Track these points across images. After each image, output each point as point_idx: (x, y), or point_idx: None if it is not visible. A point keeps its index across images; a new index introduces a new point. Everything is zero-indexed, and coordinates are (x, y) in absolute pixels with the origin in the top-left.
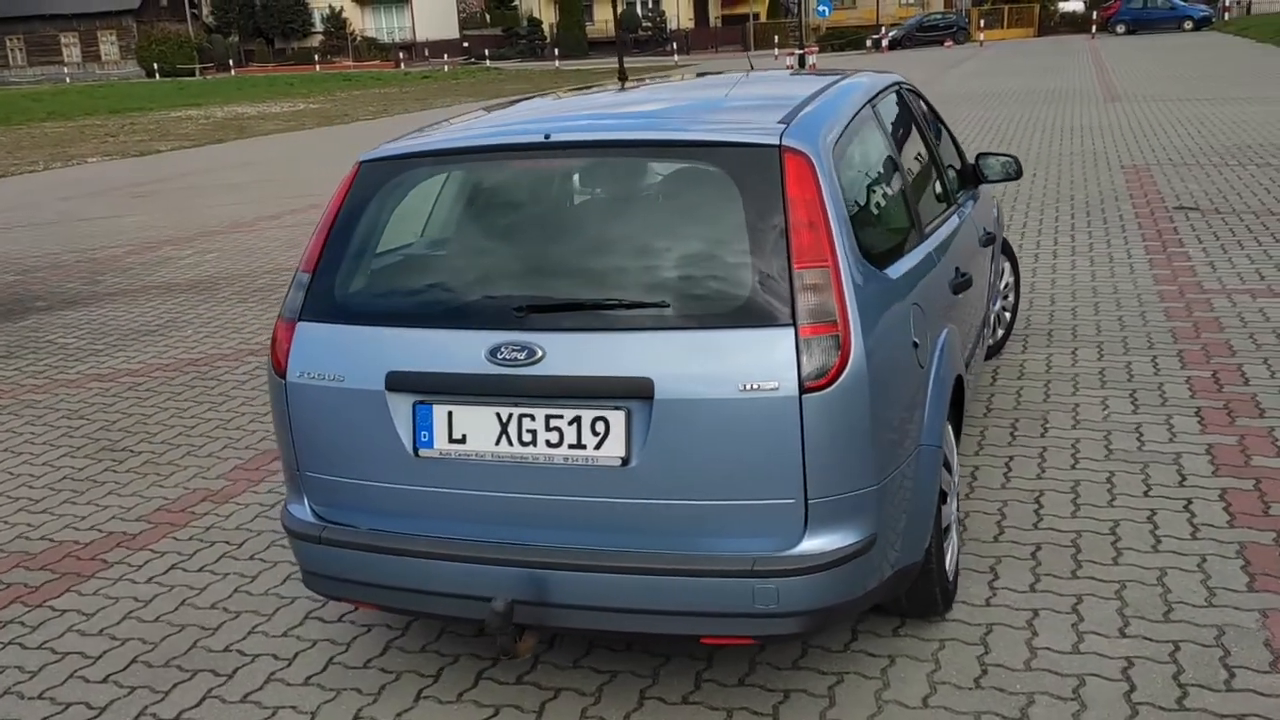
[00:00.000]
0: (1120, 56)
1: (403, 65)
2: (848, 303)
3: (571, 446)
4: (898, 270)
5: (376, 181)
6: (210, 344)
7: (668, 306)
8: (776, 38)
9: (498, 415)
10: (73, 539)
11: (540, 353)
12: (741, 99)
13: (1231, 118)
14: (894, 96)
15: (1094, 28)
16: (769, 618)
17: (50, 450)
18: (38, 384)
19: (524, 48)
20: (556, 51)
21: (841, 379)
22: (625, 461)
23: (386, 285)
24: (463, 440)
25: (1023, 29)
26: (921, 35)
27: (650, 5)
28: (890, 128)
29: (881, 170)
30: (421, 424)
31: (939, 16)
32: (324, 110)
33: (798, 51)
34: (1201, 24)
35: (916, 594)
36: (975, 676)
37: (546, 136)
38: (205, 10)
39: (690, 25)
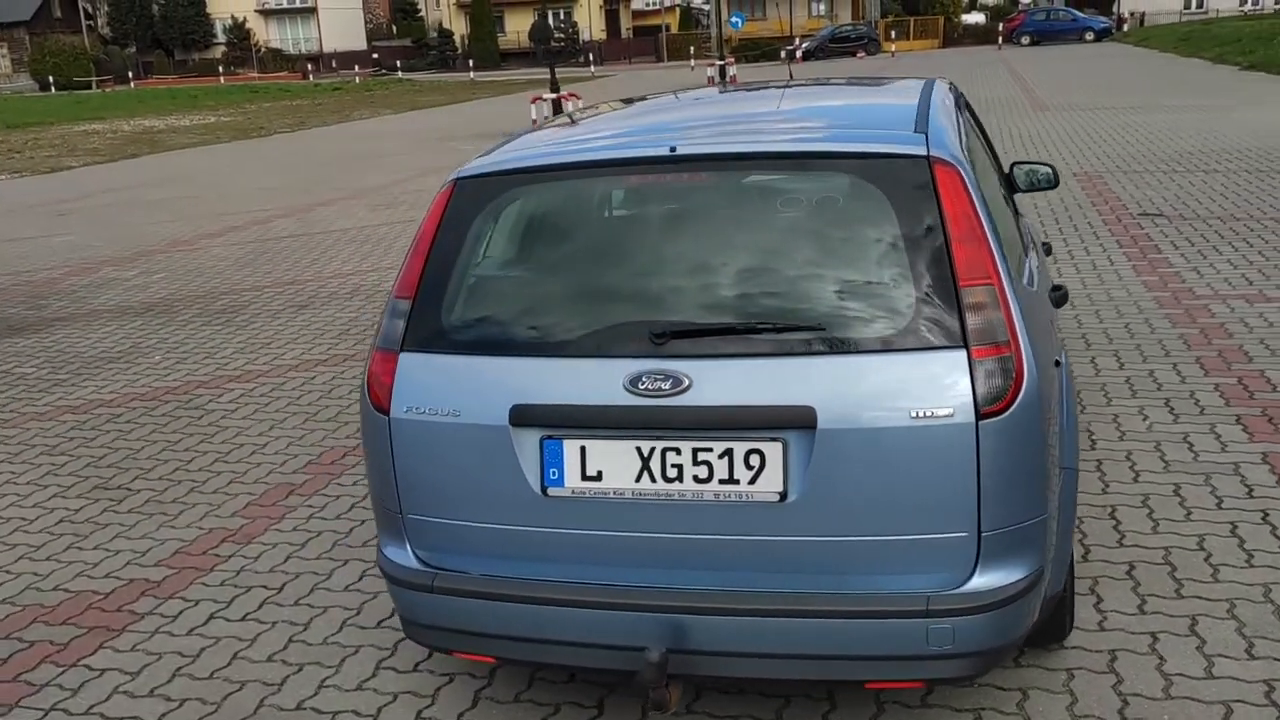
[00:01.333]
0: (1034, 66)
1: (310, 77)
2: (1015, 321)
3: (722, 482)
4: (1030, 284)
5: (477, 200)
6: (184, 370)
7: (824, 329)
8: (693, 49)
9: (638, 450)
10: (90, 588)
11: (686, 382)
12: (848, 107)
13: (1165, 125)
14: (964, 102)
15: (1000, 39)
16: (941, 659)
17: (38, 490)
18: (4, 418)
19: (435, 59)
20: (471, 63)
21: (1017, 403)
22: (783, 497)
23: (503, 311)
24: (598, 477)
25: (928, 40)
26: (834, 46)
27: (563, 16)
28: (978, 134)
29: (991, 179)
30: (550, 461)
31: (850, 28)
32: (237, 123)
33: (718, 63)
34: (1102, 35)
35: (1050, 621)
36: (1117, 709)
37: (672, 150)
38: (101, 21)
39: (603, 36)
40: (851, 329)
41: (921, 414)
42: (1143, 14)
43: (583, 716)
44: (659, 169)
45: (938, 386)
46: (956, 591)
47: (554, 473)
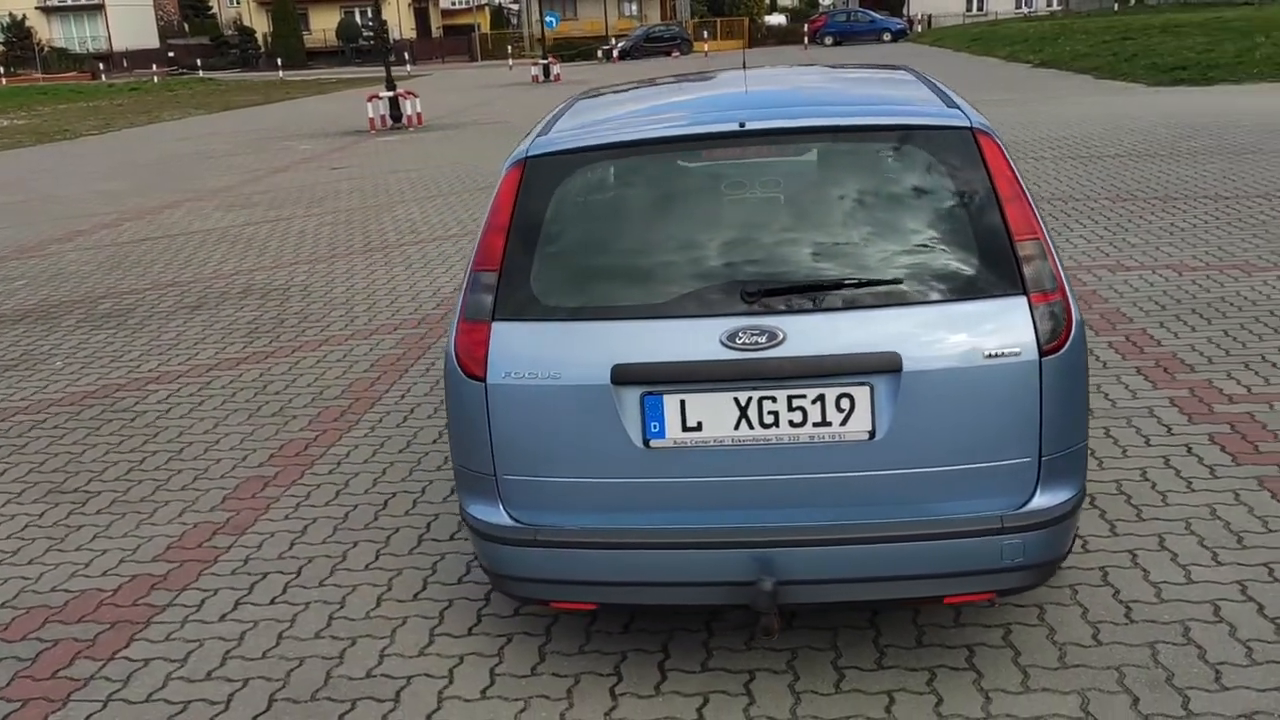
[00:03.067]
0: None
1: (102, 77)
2: (1060, 270)
3: (816, 425)
4: None
5: (550, 177)
6: (94, 375)
7: (901, 282)
8: (510, 48)
9: (736, 400)
10: (93, 586)
11: (781, 335)
12: (876, 88)
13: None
14: None
15: (806, 39)
16: (1010, 572)
17: None
18: None
19: (237, 57)
20: (279, 61)
21: (1069, 342)
22: (872, 435)
23: (596, 279)
24: (698, 428)
25: (735, 41)
26: (649, 46)
27: (370, 15)
28: None
29: None
30: (651, 415)
31: (663, 28)
32: (36, 126)
33: (542, 62)
34: (898, 35)
35: None
36: (1123, 613)
37: (742, 125)
38: None
39: (413, 35)
40: (924, 281)
41: (994, 353)
42: (929, 16)
43: (649, 662)
44: (729, 142)
45: (1007, 329)
46: (1022, 510)
47: (655, 426)
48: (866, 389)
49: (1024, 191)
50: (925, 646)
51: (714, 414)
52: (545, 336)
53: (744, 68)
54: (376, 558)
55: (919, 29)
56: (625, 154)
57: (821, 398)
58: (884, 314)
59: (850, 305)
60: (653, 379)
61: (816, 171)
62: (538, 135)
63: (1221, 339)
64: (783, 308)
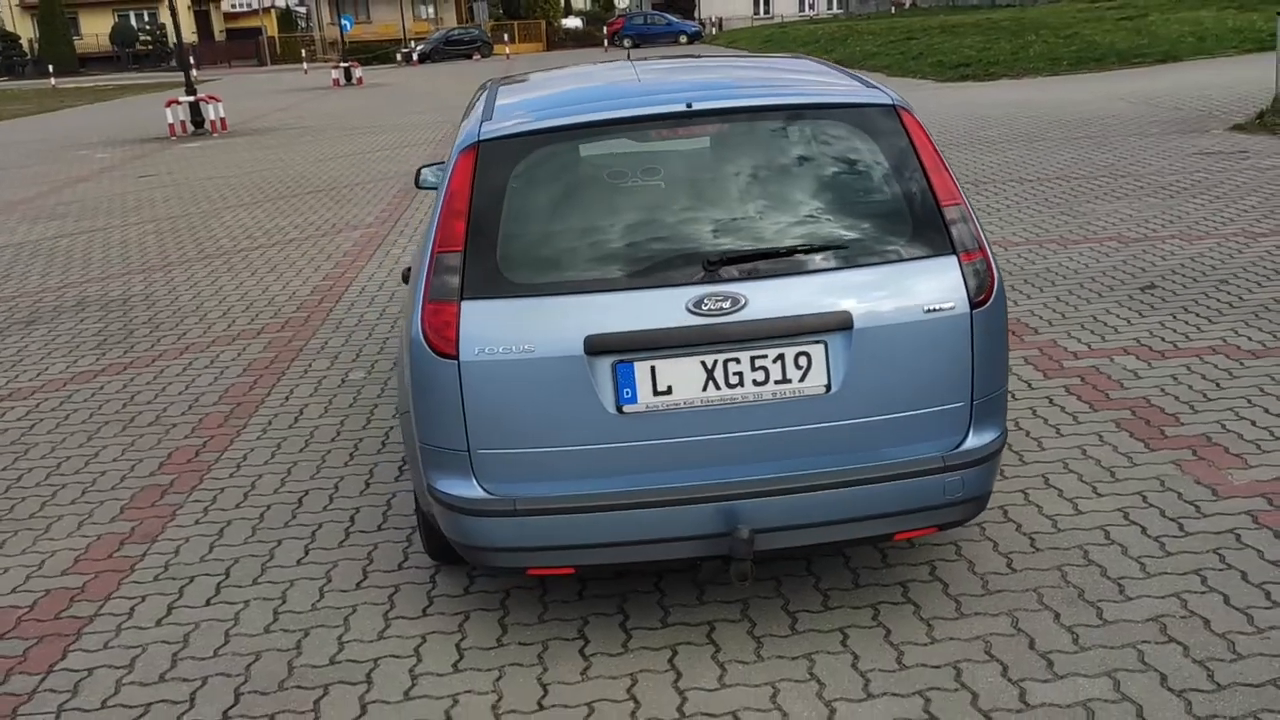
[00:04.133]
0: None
1: None
2: (980, 232)
3: (778, 382)
4: None
5: (504, 159)
6: None
7: (846, 247)
8: (304, 52)
9: (703, 363)
10: (6, 604)
11: (743, 300)
12: (797, 73)
13: None
14: None
15: (606, 42)
16: (952, 506)
17: None
18: None
19: (1, 65)
20: (50, 69)
21: (994, 296)
22: (828, 389)
23: (562, 255)
24: (669, 391)
25: (534, 43)
26: (449, 49)
27: (148, 18)
28: None
29: None
30: (624, 382)
31: (462, 31)
32: None
33: (343, 65)
34: (694, 37)
35: None
36: (1030, 543)
37: (689, 105)
38: None
39: (194, 39)
40: (867, 245)
41: (932, 308)
42: (720, 18)
43: (611, 623)
44: (675, 122)
45: (942, 286)
46: (958, 450)
47: (627, 392)
48: (821, 346)
49: (944, 162)
50: (863, 586)
51: (683, 378)
52: (517, 312)
53: (629, 59)
54: (306, 553)
55: (713, 31)
56: (578, 135)
57: (781, 357)
58: (834, 277)
59: (803, 270)
60: (624, 347)
61: (762, 148)
62: (483, 120)
63: (1055, 304)
64: (743, 274)
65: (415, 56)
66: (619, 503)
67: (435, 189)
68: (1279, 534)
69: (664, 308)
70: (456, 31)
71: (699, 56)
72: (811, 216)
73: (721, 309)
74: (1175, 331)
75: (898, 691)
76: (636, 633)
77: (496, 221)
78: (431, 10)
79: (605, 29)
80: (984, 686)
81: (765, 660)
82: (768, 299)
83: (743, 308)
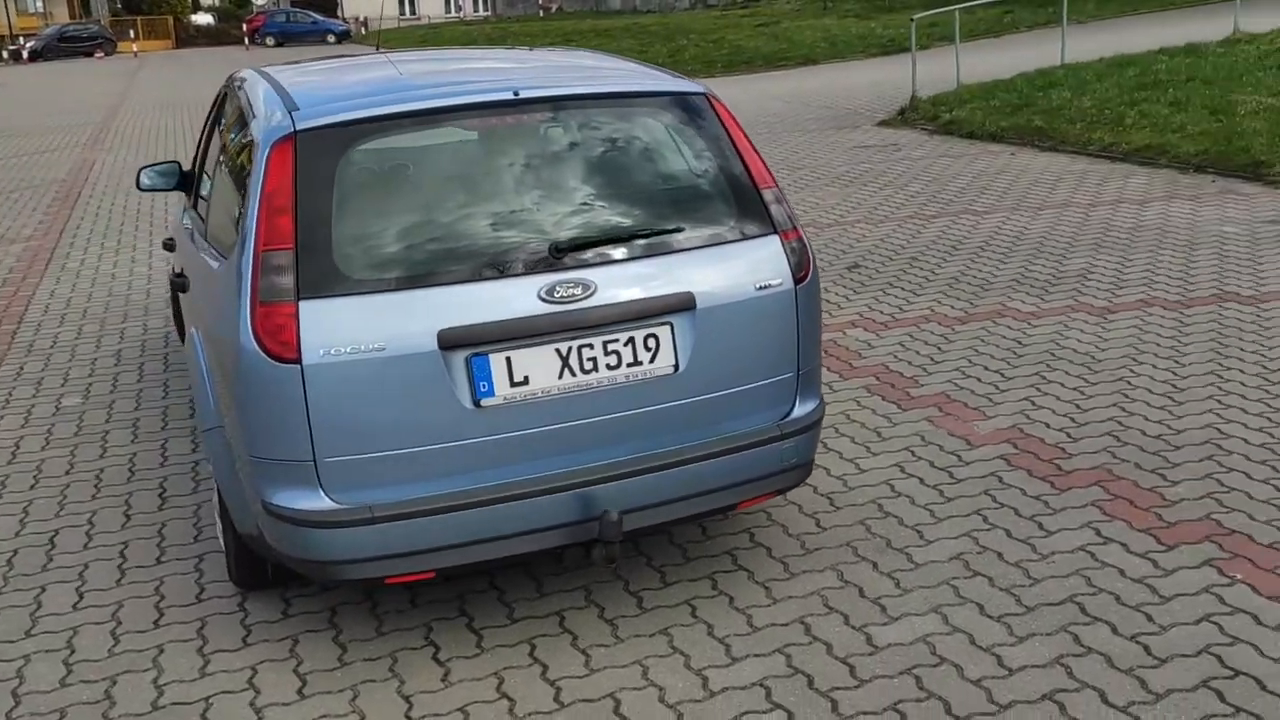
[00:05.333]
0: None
1: None
2: (793, 213)
3: (630, 365)
4: None
5: (329, 149)
6: None
7: (683, 230)
8: None
9: (557, 351)
10: None
11: (593, 286)
12: (604, 62)
13: None
14: None
15: (246, 40)
16: (788, 472)
17: None
18: None
19: None
20: None
21: (811, 272)
22: (676, 368)
23: (406, 248)
24: (525, 381)
25: (162, 40)
26: (65, 46)
27: None
28: None
29: None
30: (479, 375)
31: (80, 27)
32: None
33: None
34: (342, 37)
35: None
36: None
37: (516, 93)
38: None
39: None
40: (701, 228)
41: (763, 285)
42: (365, 18)
43: (458, 626)
44: (503, 111)
45: (769, 264)
46: (789, 419)
47: (484, 385)
48: (668, 328)
49: (754, 147)
50: (694, 560)
51: (539, 367)
52: (362, 310)
53: (380, 53)
54: (80, 597)
55: (363, 31)
56: (405, 124)
57: (632, 340)
58: (673, 259)
59: (645, 254)
60: (479, 340)
61: (591, 136)
62: (290, 110)
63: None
64: (589, 261)
65: (25, 54)
66: (483, 499)
67: (158, 190)
68: (1032, 472)
69: (516, 297)
70: (73, 27)
71: (441, 49)
72: (645, 201)
73: (573, 295)
74: (890, 305)
75: (759, 652)
76: (486, 632)
77: (328, 215)
78: (41, 4)
79: (244, 26)
80: (834, 636)
81: (625, 641)
82: (615, 283)
83: (593, 293)
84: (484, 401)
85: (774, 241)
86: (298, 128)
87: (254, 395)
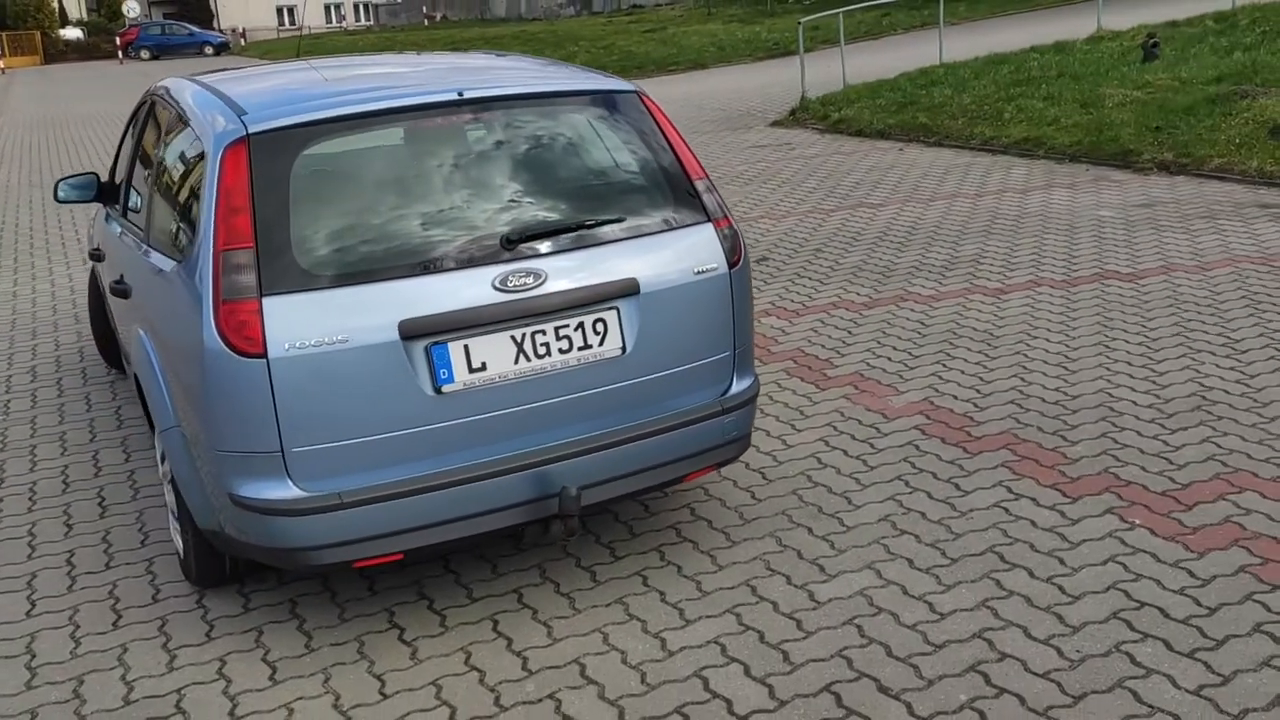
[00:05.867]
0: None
1: None
2: (723, 201)
3: (580, 349)
4: None
5: (282, 151)
6: None
7: (624, 220)
8: None
9: (512, 337)
10: None
11: (544, 274)
12: (536, 64)
13: None
14: None
15: (121, 54)
16: (729, 445)
17: None
18: None
19: None
20: None
21: (743, 258)
22: (624, 350)
23: (362, 244)
24: (483, 368)
25: (29, 56)
26: None
27: None
28: None
29: None
30: (439, 363)
31: None
32: None
33: None
34: (220, 49)
35: None
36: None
37: (460, 94)
38: None
39: None
40: (641, 217)
41: (701, 270)
42: (243, 29)
43: (419, 607)
44: (449, 111)
45: (705, 249)
46: (729, 395)
47: (444, 373)
48: (615, 312)
49: (684, 140)
50: (639, 535)
51: (495, 353)
52: (325, 304)
53: (304, 61)
54: (33, 605)
55: (243, 42)
56: (355, 125)
57: (582, 325)
58: (617, 247)
59: (591, 243)
60: (438, 329)
61: (532, 132)
62: (238, 114)
63: None
64: (539, 251)
65: None
66: (447, 481)
67: (76, 202)
68: (945, 440)
69: (471, 287)
70: None
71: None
72: (587, 194)
73: (525, 284)
74: (799, 293)
75: (710, 614)
76: (448, 612)
77: (285, 214)
78: None
79: (118, 39)
80: (779, 595)
81: (583, 611)
82: (564, 272)
83: (544, 281)
84: (444, 388)
85: (708, 229)
86: (250, 131)
87: (219, 391)
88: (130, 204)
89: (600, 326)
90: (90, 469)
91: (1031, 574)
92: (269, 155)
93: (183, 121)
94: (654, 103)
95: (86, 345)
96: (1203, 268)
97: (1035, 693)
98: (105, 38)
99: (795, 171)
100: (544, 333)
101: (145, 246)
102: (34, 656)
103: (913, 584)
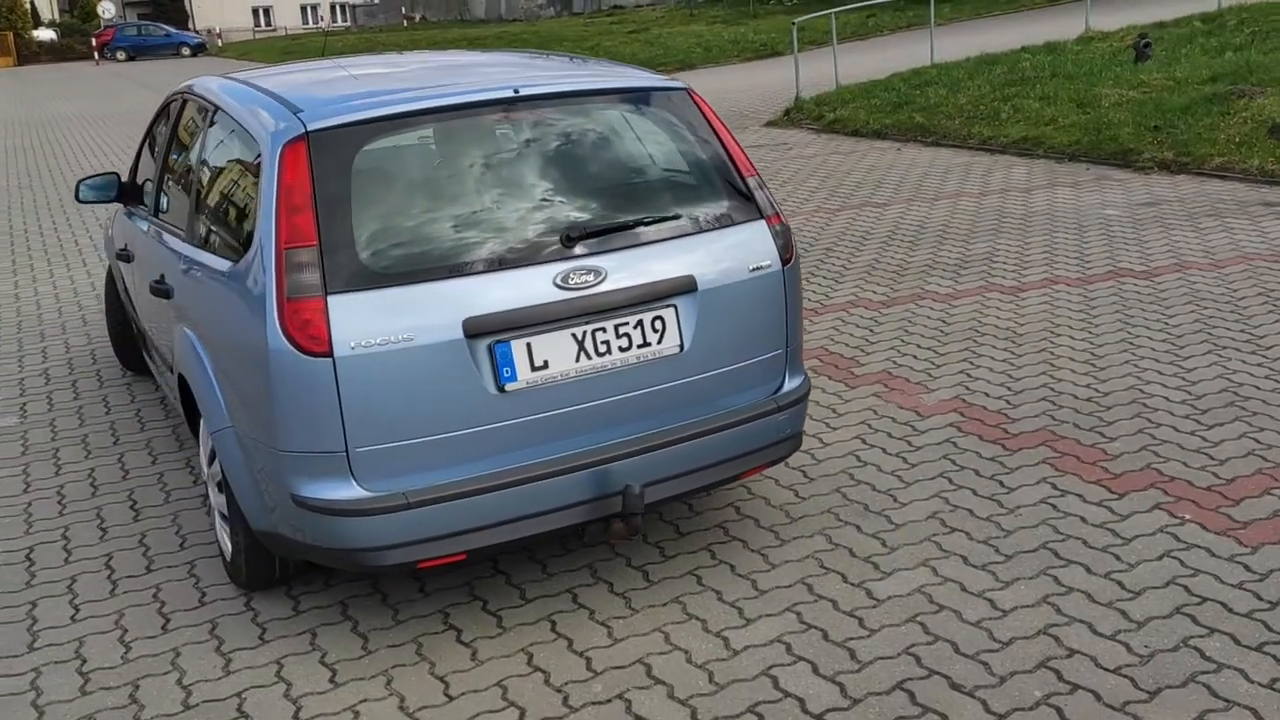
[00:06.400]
0: (135, 80)
1: None
2: (774, 199)
3: (640, 346)
4: None
5: (343, 148)
6: None
7: (680, 217)
8: None
9: (573, 335)
10: None
11: (604, 272)
12: (582, 62)
13: None
14: None
15: (97, 55)
16: (783, 442)
17: None
18: None
19: None
20: None
21: (794, 255)
22: (682, 348)
23: (426, 241)
24: (545, 366)
25: (2, 58)
26: None
27: None
28: None
29: None
30: (502, 362)
31: None
32: None
33: None
34: (197, 50)
35: None
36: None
37: (516, 91)
38: None
39: None
40: (697, 214)
41: (756, 267)
42: (219, 30)
43: (473, 609)
44: (505, 108)
45: (760, 247)
46: (782, 393)
47: (507, 371)
48: (673, 310)
49: (735, 138)
50: (687, 534)
51: (557, 351)
52: (390, 302)
53: (400, 51)
54: (76, 610)
55: (219, 43)
56: (413, 122)
57: (641, 322)
58: (675, 245)
59: (648, 240)
60: (501, 327)
61: (587, 129)
62: (294, 112)
63: None
64: (598, 249)
65: None
66: (510, 480)
67: (98, 202)
68: (982, 437)
69: (534, 285)
70: None
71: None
72: (641, 190)
73: (586, 282)
74: (816, 292)
75: (769, 612)
76: (504, 613)
77: (348, 212)
78: None
79: (94, 40)
80: (836, 593)
81: (640, 611)
82: (622, 269)
83: (604, 279)
84: (508, 386)
85: (761, 226)
86: (309, 128)
87: (282, 391)
88: (162, 203)
89: (659, 324)
90: (117, 472)
91: (1089, 570)
92: (329, 153)
93: (227, 120)
94: (703, 99)
95: (98, 347)
96: (1216, 265)
97: (1109, 688)
98: (79, 39)
99: (795, 171)
100: (604, 330)
101: (189, 246)
102: (84, 661)
103: (970, 581)
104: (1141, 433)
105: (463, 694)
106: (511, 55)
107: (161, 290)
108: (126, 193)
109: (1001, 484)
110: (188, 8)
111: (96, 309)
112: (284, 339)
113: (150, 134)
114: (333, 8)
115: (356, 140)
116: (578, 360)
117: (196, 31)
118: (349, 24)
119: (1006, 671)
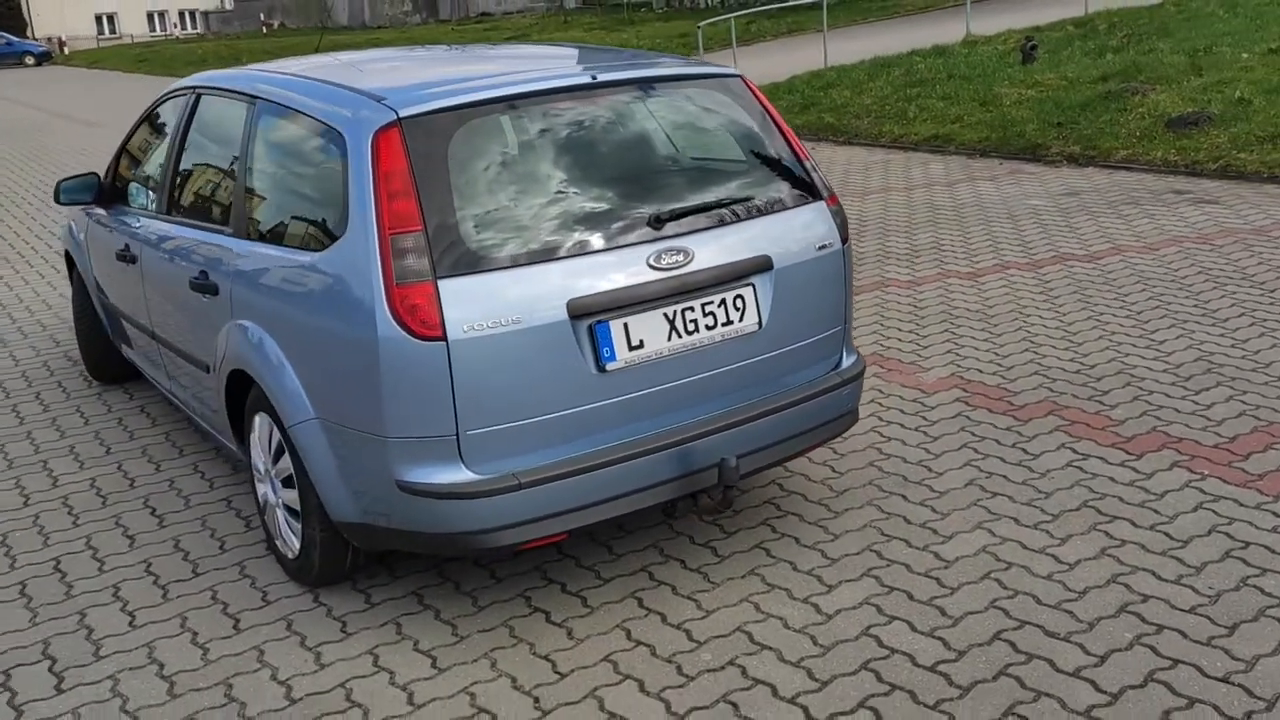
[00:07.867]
0: (69, 91)
1: None
2: (829, 181)
3: (724, 324)
4: None
5: (436, 134)
6: None
7: (753, 199)
8: None
9: (665, 315)
10: None
11: (691, 252)
12: (613, 51)
13: None
14: None
15: None
16: (845, 417)
17: None
18: None
19: None
20: None
21: (850, 234)
22: (760, 325)
23: (526, 224)
24: (641, 345)
25: None
26: None
27: None
28: None
29: None
30: (603, 342)
31: None
32: None
33: None
34: (42, 59)
35: None
36: None
37: (594, 77)
38: None
39: None
40: (767, 196)
41: (822, 246)
42: (63, 38)
43: (553, 592)
44: (585, 94)
45: (823, 227)
46: (842, 369)
47: (607, 351)
48: (751, 288)
49: (784, 122)
50: (740, 511)
51: (651, 331)
52: (497, 285)
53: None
54: (132, 616)
55: (65, 51)
56: (500, 108)
57: (724, 301)
58: (752, 225)
59: (727, 221)
60: (603, 308)
61: (662, 113)
62: (375, 100)
63: None
64: (682, 230)
65: None
66: (611, 458)
67: (79, 203)
68: (992, 410)
69: (629, 266)
70: None
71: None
72: (716, 172)
73: (677, 262)
74: None
75: (848, 578)
76: (586, 593)
77: (449, 196)
78: None
79: None
80: (906, 557)
81: (721, 585)
82: (707, 249)
83: (692, 259)
84: (608, 366)
85: (822, 206)
86: (401, 115)
87: (396, 376)
88: (179, 200)
89: (740, 302)
90: (122, 481)
91: (1134, 524)
92: (423, 139)
93: (282, 110)
94: (754, 85)
95: (50, 358)
96: (1150, 248)
97: (1190, 625)
98: None
99: None
100: (693, 309)
101: (240, 241)
102: (162, 666)
103: (1028, 540)
104: (1138, 400)
105: (572, 670)
106: (544, 48)
107: (205, 286)
108: (105, 194)
109: (1025, 451)
110: (26, 16)
111: (48, 317)
112: (394, 325)
113: (135, 133)
114: (182, 14)
115: (448, 126)
116: (669, 339)
117: (37, 40)
118: (202, 31)
119: (1092, 618)
